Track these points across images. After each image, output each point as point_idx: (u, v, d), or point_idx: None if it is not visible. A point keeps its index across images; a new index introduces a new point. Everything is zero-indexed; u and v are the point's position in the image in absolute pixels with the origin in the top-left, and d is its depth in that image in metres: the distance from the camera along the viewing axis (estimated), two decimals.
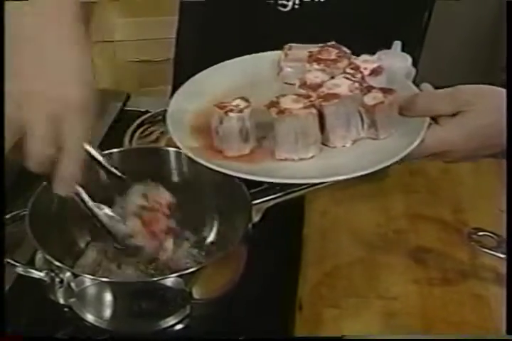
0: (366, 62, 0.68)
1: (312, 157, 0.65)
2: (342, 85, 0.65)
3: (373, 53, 0.85)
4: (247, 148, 0.66)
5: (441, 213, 0.85)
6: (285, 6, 0.92)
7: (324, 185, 0.75)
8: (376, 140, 0.66)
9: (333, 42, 0.72)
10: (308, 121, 0.63)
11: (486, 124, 0.64)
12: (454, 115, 0.64)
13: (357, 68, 0.67)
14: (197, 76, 0.75)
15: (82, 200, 0.64)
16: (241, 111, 0.63)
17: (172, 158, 0.77)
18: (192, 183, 0.78)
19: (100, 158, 0.67)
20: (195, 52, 1.04)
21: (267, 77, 0.75)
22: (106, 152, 0.76)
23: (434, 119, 0.65)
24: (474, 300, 0.73)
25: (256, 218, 0.72)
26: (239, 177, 0.64)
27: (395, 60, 0.90)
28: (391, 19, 0.94)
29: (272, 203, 0.73)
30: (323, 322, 0.71)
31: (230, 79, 0.74)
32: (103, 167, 0.68)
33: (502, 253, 0.70)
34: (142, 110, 1.06)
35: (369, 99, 0.64)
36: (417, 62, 0.99)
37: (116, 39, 2.05)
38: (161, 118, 1.00)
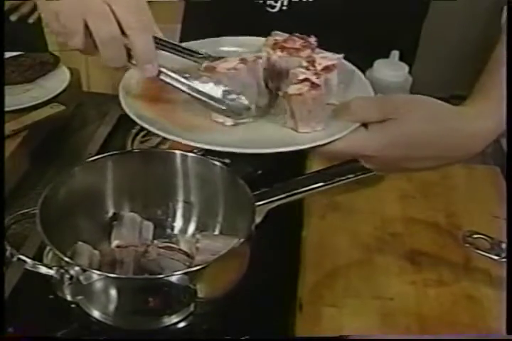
0: (324, 59, 0.67)
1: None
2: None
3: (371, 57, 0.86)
4: None
5: (436, 217, 0.86)
6: (273, 6, 0.93)
7: (325, 188, 0.77)
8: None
9: (299, 34, 0.71)
10: None
11: (411, 133, 0.61)
12: (382, 122, 0.62)
13: (313, 62, 0.66)
14: None
15: (170, 77, 0.63)
16: None
17: (178, 160, 0.78)
18: (197, 185, 0.80)
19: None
20: None
21: None
22: (112, 153, 0.79)
23: (365, 125, 0.64)
24: (467, 301, 0.75)
25: (258, 219, 0.73)
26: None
27: (391, 69, 0.93)
28: (382, 23, 0.94)
29: (274, 205, 0.74)
30: (323, 320, 0.72)
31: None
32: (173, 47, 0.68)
33: (496, 255, 0.72)
34: None
35: (292, 89, 0.63)
36: (412, 64, 1.00)
37: None
38: None
